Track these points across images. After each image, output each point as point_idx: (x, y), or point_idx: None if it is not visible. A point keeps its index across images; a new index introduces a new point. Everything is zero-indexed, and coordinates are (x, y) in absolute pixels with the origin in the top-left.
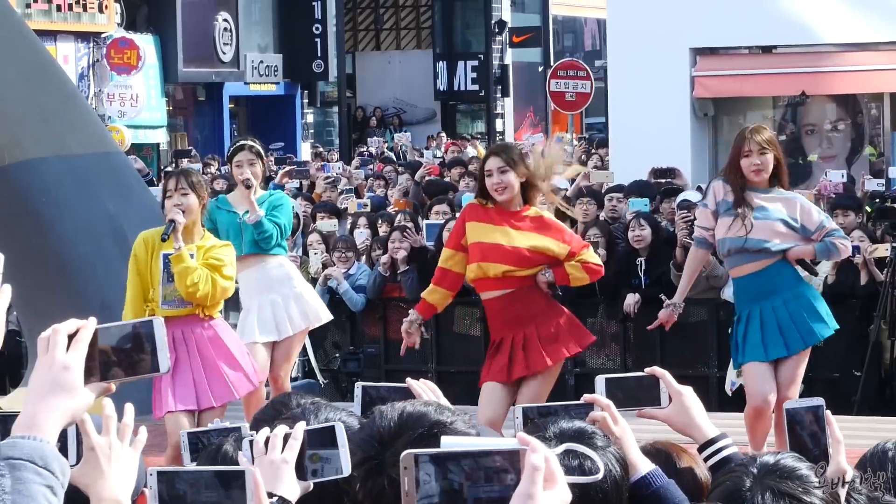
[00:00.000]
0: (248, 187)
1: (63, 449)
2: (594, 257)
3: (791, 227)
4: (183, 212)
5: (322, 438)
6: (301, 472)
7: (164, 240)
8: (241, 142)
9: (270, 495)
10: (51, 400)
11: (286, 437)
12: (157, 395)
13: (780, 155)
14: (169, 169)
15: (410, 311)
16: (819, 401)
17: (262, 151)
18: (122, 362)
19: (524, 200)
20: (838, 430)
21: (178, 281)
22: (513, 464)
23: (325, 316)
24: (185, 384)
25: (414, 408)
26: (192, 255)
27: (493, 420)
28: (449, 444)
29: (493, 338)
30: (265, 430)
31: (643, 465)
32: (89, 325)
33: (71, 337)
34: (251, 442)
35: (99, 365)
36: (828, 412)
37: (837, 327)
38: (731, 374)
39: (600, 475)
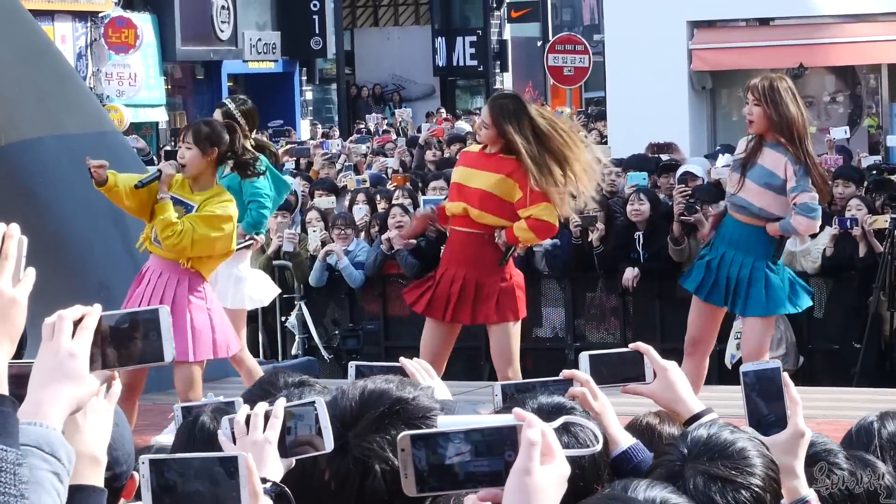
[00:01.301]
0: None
1: None
2: (546, 214)
3: (773, 186)
4: (184, 165)
5: (303, 415)
6: (284, 449)
7: (137, 187)
8: (224, 100)
9: (264, 480)
10: (56, 387)
11: (267, 415)
12: None
13: (776, 109)
14: (168, 148)
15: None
16: (775, 363)
17: (236, 117)
18: (126, 350)
19: (509, 151)
20: (795, 391)
21: (158, 230)
22: (510, 439)
23: (249, 304)
24: None
25: (375, 385)
26: (193, 206)
27: (434, 359)
28: (445, 423)
29: (440, 267)
30: (245, 409)
31: (624, 440)
32: (94, 312)
33: (76, 323)
34: (231, 420)
35: (103, 352)
36: (785, 374)
37: (794, 311)
38: (730, 347)
39: (599, 447)
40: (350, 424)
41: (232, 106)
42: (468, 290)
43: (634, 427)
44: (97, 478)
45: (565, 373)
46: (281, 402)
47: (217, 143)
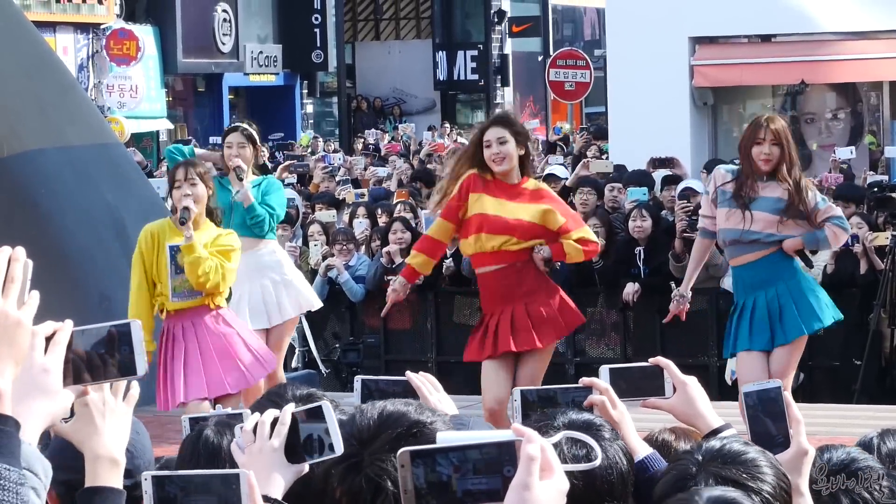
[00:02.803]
0: (239, 175)
1: None
2: (591, 234)
3: (780, 210)
4: (195, 202)
5: (310, 419)
6: (295, 456)
7: (182, 223)
8: (236, 123)
9: (266, 499)
10: (30, 403)
11: (274, 423)
12: (167, 386)
13: (789, 149)
14: None
15: (396, 277)
16: (776, 383)
17: (254, 135)
18: (98, 365)
19: (522, 173)
20: (797, 410)
21: (190, 271)
22: (509, 455)
23: (316, 303)
24: (195, 374)
25: (395, 407)
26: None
27: (500, 399)
28: (445, 439)
29: (484, 312)
30: (254, 417)
31: (641, 450)
32: (66, 328)
33: (48, 339)
34: (242, 429)
35: (75, 367)
36: (786, 393)
37: (839, 318)
38: (731, 363)
39: (598, 461)
40: (366, 443)
41: (252, 130)
42: (521, 320)
43: (650, 442)
44: (116, 479)
45: (584, 381)
46: (288, 409)
47: (209, 181)
